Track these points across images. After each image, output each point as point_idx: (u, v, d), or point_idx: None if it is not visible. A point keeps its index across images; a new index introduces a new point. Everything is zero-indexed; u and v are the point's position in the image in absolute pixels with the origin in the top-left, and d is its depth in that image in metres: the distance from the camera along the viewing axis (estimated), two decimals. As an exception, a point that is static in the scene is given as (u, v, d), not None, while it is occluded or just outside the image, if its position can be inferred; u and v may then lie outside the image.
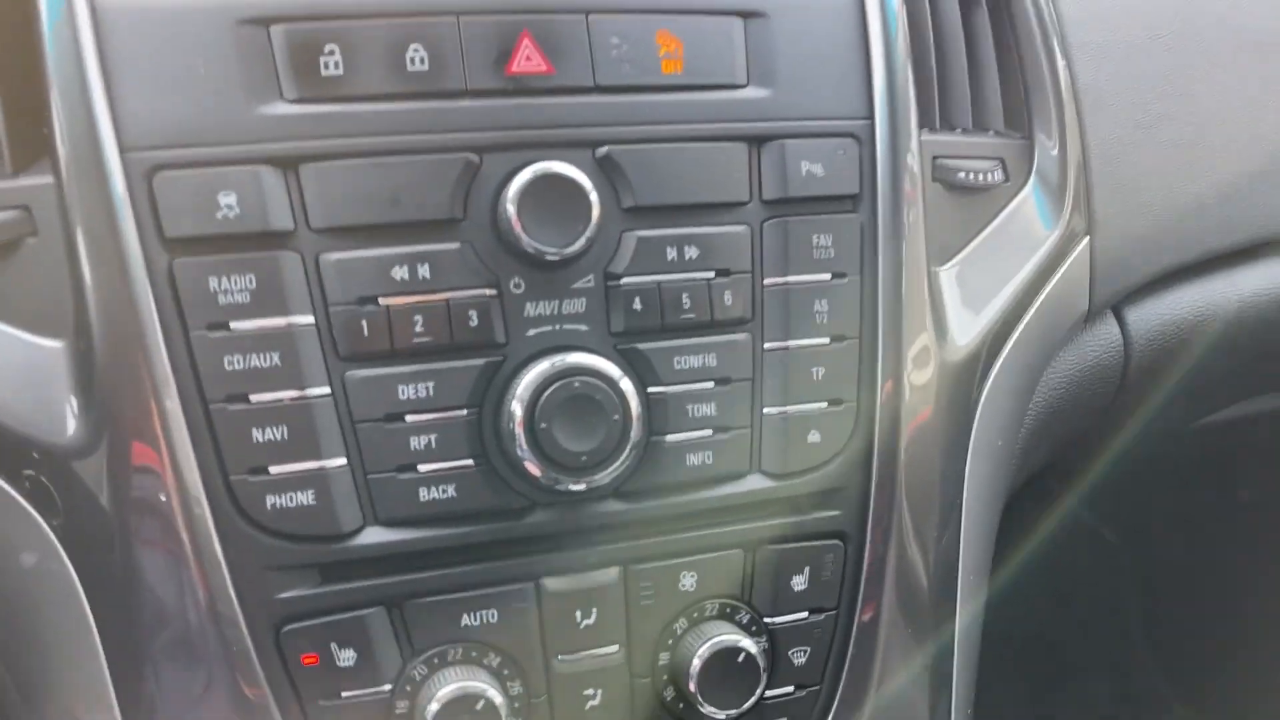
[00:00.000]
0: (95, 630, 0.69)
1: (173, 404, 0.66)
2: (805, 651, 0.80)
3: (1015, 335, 0.90)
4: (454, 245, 0.70)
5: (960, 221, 0.89)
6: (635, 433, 0.72)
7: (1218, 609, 1.88)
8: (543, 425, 0.69)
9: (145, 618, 0.68)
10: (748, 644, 0.75)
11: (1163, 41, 1.01)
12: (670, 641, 0.77)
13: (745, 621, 0.78)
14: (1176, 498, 1.87)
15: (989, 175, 0.90)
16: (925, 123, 0.87)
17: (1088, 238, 0.96)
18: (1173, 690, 1.95)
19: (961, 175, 0.88)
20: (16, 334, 0.68)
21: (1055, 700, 2.03)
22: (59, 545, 0.68)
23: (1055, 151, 0.95)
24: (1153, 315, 1.04)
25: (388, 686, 0.71)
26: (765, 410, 0.77)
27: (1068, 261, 0.94)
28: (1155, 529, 1.97)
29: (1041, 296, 0.92)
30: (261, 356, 0.67)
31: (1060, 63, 0.96)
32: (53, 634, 0.70)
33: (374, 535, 0.70)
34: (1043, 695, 2.02)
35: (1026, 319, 0.91)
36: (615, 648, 0.76)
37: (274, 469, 0.68)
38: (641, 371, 0.74)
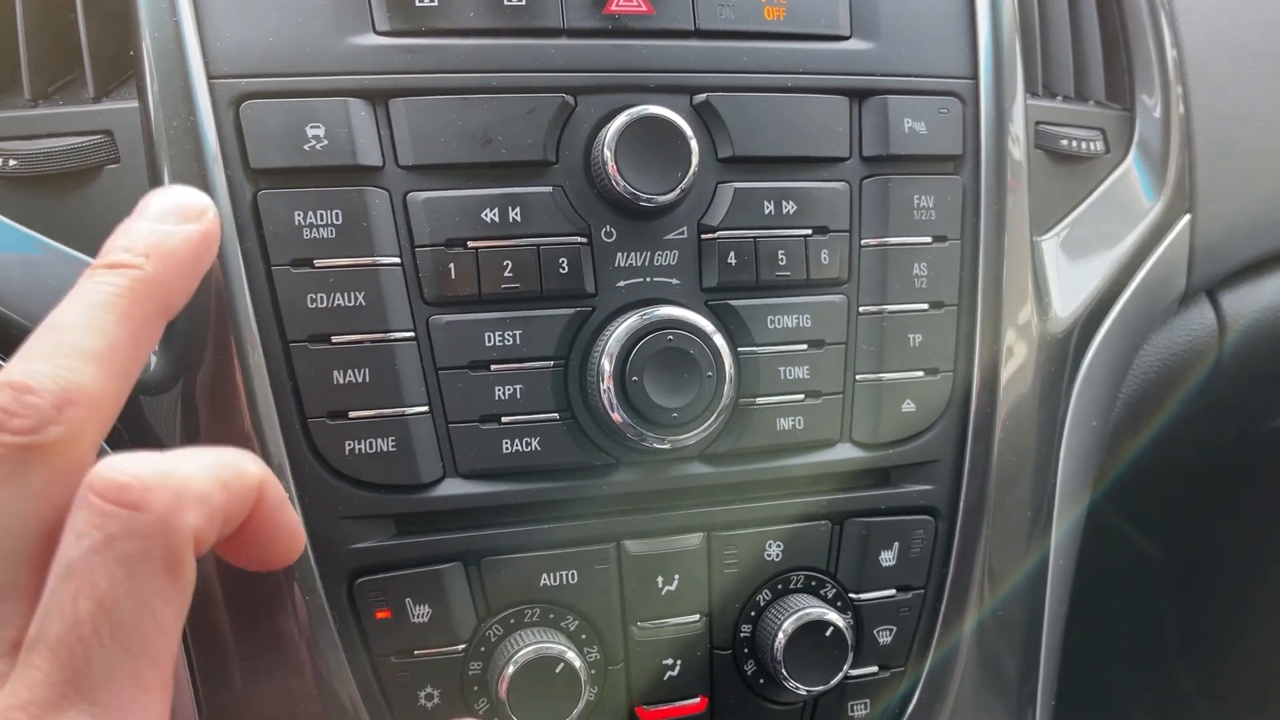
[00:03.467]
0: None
1: (252, 341, 0.63)
2: (891, 631, 0.76)
3: (1114, 312, 0.86)
4: (546, 189, 0.67)
5: (1060, 191, 0.86)
6: (727, 392, 0.68)
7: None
8: (634, 379, 0.66)
9: (214, 564, 0.66)
10: (835, 618, 0.71)
11: (1270, 17, 0.97)
12: (753, 613, 0.73)
13: (830, 596, 0.75)
14: (1237, 505, 1.81)
15: (1091, 144, 0.87)
16: (1028, 87, 0.83)
17: (1188, 215, 0.92)
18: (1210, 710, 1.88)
19: (1064, 143, 0.85)
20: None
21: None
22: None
23: (1158, 125, 0.91)
24: (1249, 301, 1.00)
25: (462, 646, 0.68)
26: (858, 376, 0.74)
27: (1168, 239, 0.90)
28: (1208, 540, 1.90)
29: (1141, 273, 0.88)
30: (345, 296, 0.64)
31: (1166, 34, 0.92)
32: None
33: (453, 487, 0.67)
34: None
35: (1125, 296, 0.87)
36: (696, 617, 0.72)
37: (354, 414, 0.65)
38: (733, 329, 0.71)
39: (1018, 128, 0.78)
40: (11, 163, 0.65)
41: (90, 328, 0.46)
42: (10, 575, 0.42)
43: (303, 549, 0.51)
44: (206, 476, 0.44)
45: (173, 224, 0.52)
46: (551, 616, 0.69)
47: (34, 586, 0.42)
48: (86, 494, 0.42)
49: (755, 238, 0.71)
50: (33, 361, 0.44)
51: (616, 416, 0.66)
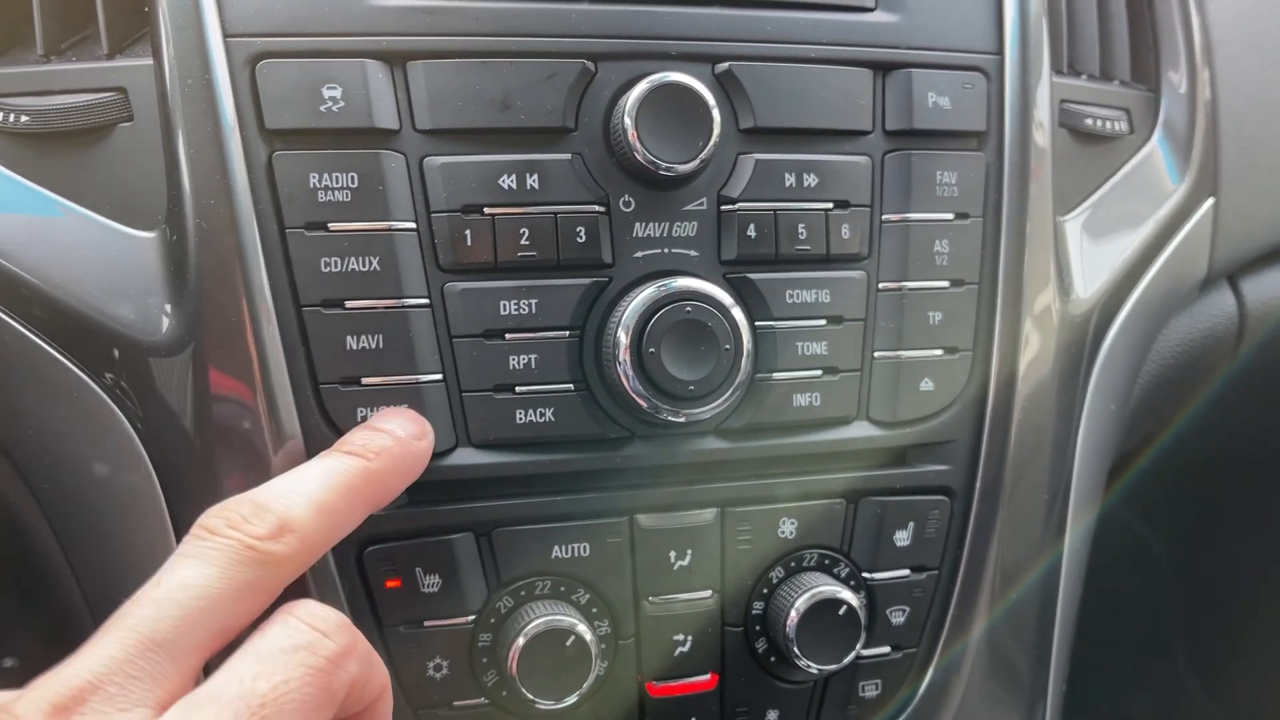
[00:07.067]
0: (173, 539, 0.66)
1: (265, 305, 0.63)
2: (904, 611, 0.75)
3: (1135, 295, 0.85)
4: (564, 156, 0.66)
5: (1083, 171, 0.84)
6: (744, 366, 0.67)
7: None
8: (651, 350, 0.65)
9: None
10: (849, 597, 0.70)
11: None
12: (765, 591, 0.73)
13: (844, 575, 0.74)
14: (1243, 500, 1.79)
15: (1115, 124, 0.85)
16: (1053, 65, 0.82)
17: (1212, 199, 0.91)
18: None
19: (1089, 122, 0.83)
20: (105, 223, 0.65)
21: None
22: (141, 447, 0.65)
23: (1183, 106, 0.90)
24: (1270, 289, 0.98)
25: (471, 617, 0.67)
26: (877, 354, 0.73)
27: (1191, 221, 0.89)
28: (1214, 534, 1.88)
29: (1163, 256, 0.87)
30: (360, 261, 0.64)
31: (1194, 16, 0.90)
32: (129, 540, 0.67)
33: (466, 457, 0.66)
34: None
35: (1147, 279, 0.86)
36: (708, 593, 0.72)
37: (366, 380, 0.64)
38: (751, 303, 0.70)
39: (1043, 105, 0.77)
40: (23, 119, 0.64)
41: (321, 486, 0.56)
42: (188, 640, 0.48)
43: None
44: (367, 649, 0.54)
45: (401, 436, 0.61)
46: (562, 589, 0.69)
47: (194, 662, 0.49)
48: (288, 613, 0.52)
49: (775, 210, 0.70)
50: (272, 493, 0.54)
51: (632, 388, 0.65)
